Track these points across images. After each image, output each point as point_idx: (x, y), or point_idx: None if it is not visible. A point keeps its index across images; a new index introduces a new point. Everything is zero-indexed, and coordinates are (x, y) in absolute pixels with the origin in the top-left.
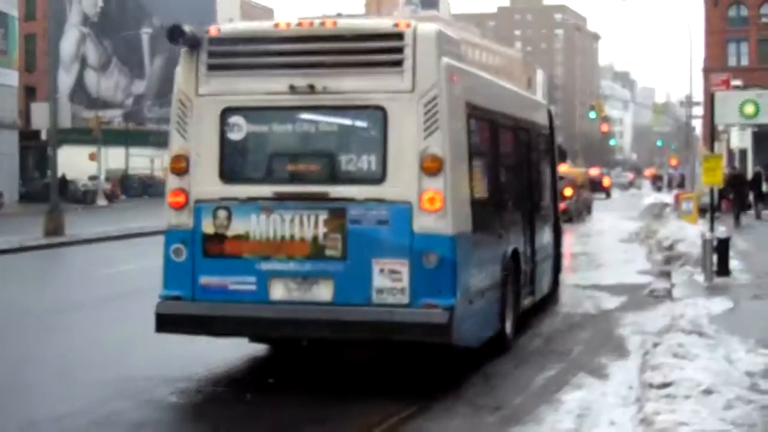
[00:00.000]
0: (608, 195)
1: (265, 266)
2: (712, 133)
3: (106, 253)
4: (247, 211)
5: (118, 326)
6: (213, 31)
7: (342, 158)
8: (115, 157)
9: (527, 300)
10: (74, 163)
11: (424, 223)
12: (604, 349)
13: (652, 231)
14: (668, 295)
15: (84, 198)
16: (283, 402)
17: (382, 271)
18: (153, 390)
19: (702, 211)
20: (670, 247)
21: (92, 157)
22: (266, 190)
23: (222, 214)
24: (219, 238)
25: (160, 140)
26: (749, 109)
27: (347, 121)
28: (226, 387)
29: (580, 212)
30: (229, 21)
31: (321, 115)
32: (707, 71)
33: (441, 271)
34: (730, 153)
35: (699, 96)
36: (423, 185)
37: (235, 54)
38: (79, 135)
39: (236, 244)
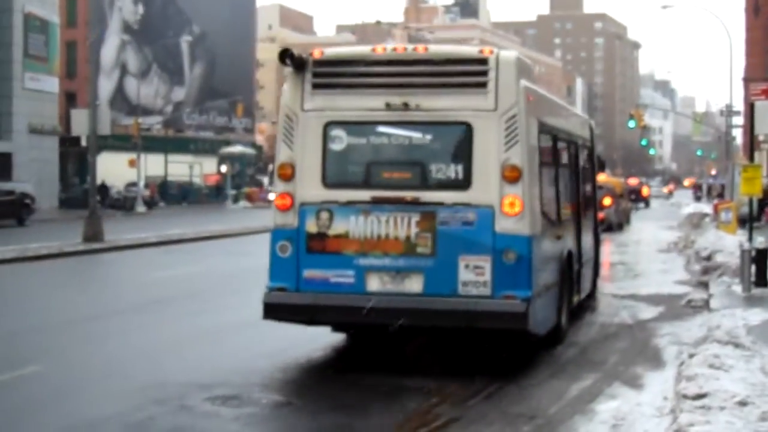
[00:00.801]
0: (647, 204)
1: (363, 261)
2: (751, 143)
3: (144, 260)
4: (347, 213)
5: (154, 332)
6: (317, 54)
7: (432, 167)
8: (154, 164)
9: (576, 297)
10: (114, 169)
11: (504, 224)
12: (639, 359)
13: (690, 241)
14: (705, 305)
15: (123, 204)
16: (318, 412)
17: (467, 266)
18: (188, 396)
19: (741, 221)
20: (709, 258)
21: (132, 163)
22: (364, 194)
23: (324, 215)
24: (321, 236)
25: (199, 147)
26: None
27: (437, 135)
28: (261, 394)
29: (619, 221)
30: (268, 28)
31: (413, 130)
32: (747, 81)
33: (519, 267)
34: None
35: (739, 105)
36: (504, 191)
37: (337, 74)
38: (119, 141)
39: (337, 242)
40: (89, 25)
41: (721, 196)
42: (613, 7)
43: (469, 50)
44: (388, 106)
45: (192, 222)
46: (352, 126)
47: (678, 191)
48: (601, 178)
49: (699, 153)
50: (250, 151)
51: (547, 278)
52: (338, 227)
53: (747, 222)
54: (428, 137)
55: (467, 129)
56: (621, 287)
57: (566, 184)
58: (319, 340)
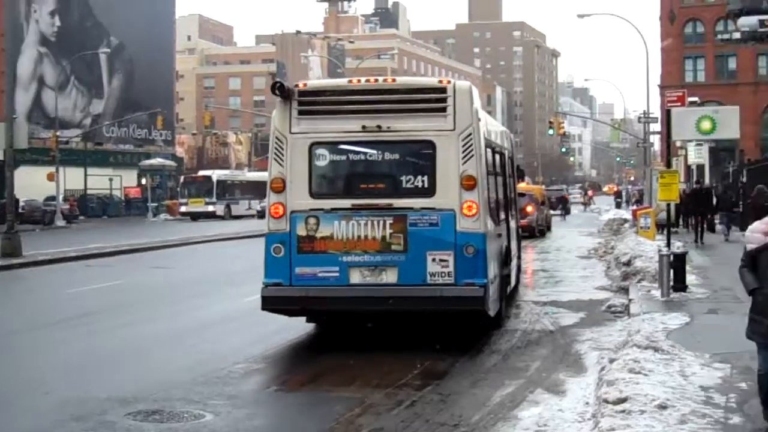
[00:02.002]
0: (568, 212)
1: (346, 259)
2: (668, 149)
3: (64, 274)
4: (331, 218)
5: (76, 347)
6: (301, 85)
7: (402, 178)
8: (73, 178)
9: (508, 287)
10: (32, 183)
11: (464, 224)
12: (561, 365)
13: (610, 247)
14: (625, 310)
15: (42, 219)
16: (238, 425)
17: (434, 260)
18: (109, 412)
19: (660, 226)
20: (628, 263)
21: (50, 177)
22: (346, 202)
23: (312, 220)
24: (310, 238)
25: (118, 160)
26: (705, 125)
27: (405, 152)
28: (182, 408)
29: (540, 228)
30: (187, 38)
31: (386, 147)
32: (664, 88)
33: (476, 259)
34: (688, 169)
35: (657, 112)
36: (463, 197)
37: (319, 103)
38: (37, 155)
39: (323, 243)
40: (4, 37)
41: (639, 202)
42: (531, 15)
43: (430, 81)
44: (364, 128)
45: (113, 236)
46: (333, 145)
47: (598, 198)
48: (522, 185)
49: (618, 160)
50: (170, 163)
51: (494, 269)
52: (324, 230)
53: (665, 227)
54: (398, 153)
55: (431, 146)
56: (542, 294)
57: (501, 190)
58: (243, 352)
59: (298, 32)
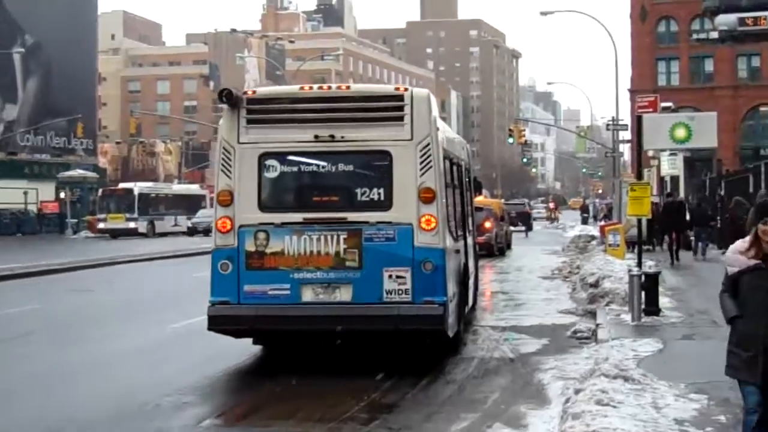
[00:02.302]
0: (530, 228)
1: (297, 275)
2: (639, 159)
3: None
4: (282, 233)
5: None
6: (250, 92)
7: (357, 191)
8: None
9: (466, 307)
10: None
11: (422, 239)
12: (522, 396)
13: (576, 267)
14: (593, 336)
15: None
16: None
17: (390, 276)
18: None
19: (630, 244)
20: (596, 284)
21: None
22: (297, 216)
23: (261, 235)
24: (259, 254)
25: (34, 171)
26: (680, 133)
27: (360, 163)
28: None
29: (500, 246)
30: (111, 38)
31: (340, 158)
32: (634, 92)
33: (435, 276)
34: (662, 180)
35: (626, 119)
36: (421, 211)
37: (269, 111)
38: None
39: (273, 259)
40: None
41: (608, 217)
42: (489, 13)
43: (387, 88)
44: (317, 138)
45: (27, 255)
46: (284, 156)
47: (564, 212)
48: (480, 199)
49: (584, 171)
50: (91, 175)
51: (453, 287)
52: (274, 246)
53: (636, 245)
54: (353, 164)
55: (387, 157)
56: (501, 318)
57: (459, 204)
58: (172, 383)
59: (234, 31)
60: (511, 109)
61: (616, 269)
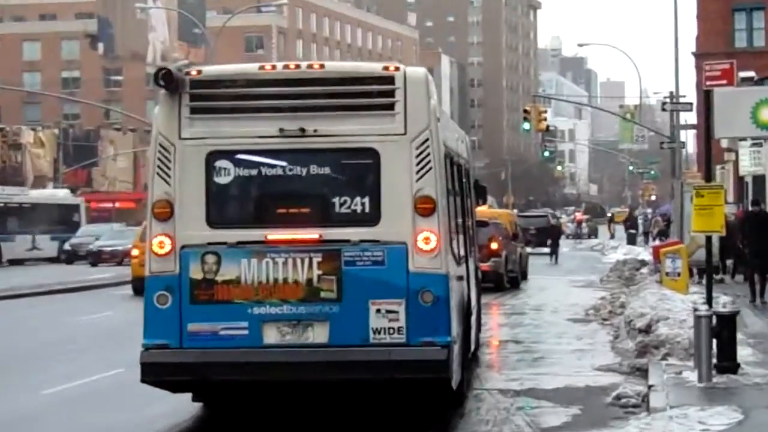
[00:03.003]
0: (555, 250)
1: (258, 310)
2: (708, 153)
3: None
4: (238, 255)
5: None
6: (195, 72)
7: (334, 200)
8: None
9: (468, 352)
10: None
11: (419, 262)
12: None
13: (619, 305)
14: (643, 403)
15: None
16: None
17: (378, 311)
18: None
19: (698, 272)
20: (647, 329)
21: None
22: (257, 233)
23: (210, 259)
24: (208, 283)
25: None
26: (767, 114)
27: (339, 164)
28: None
29: (512, 275)
30: None
31: (312, 158)
32: (702, 57)
33: (437, 310)
34: (741, 182)
35: (691, 95)
36: (417, 226)
37: (220, 97)
38: None
39: (226, 290)
40: None
41: (664, 234)
42: None
43: (372, 67)
44: (282, 132)
45: None
46: (240, 156)
47: (598, 226)
48: (483, 210)
49: (631, 169)
50: None
51: (457, 325)
52: (227, 272)
53: (704, 274)
54: (329, 166)
55: (373, 156)
56: (514, 378)
57: (461, 216)
58: None
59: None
60: (527, 82)
61: (677, 308)
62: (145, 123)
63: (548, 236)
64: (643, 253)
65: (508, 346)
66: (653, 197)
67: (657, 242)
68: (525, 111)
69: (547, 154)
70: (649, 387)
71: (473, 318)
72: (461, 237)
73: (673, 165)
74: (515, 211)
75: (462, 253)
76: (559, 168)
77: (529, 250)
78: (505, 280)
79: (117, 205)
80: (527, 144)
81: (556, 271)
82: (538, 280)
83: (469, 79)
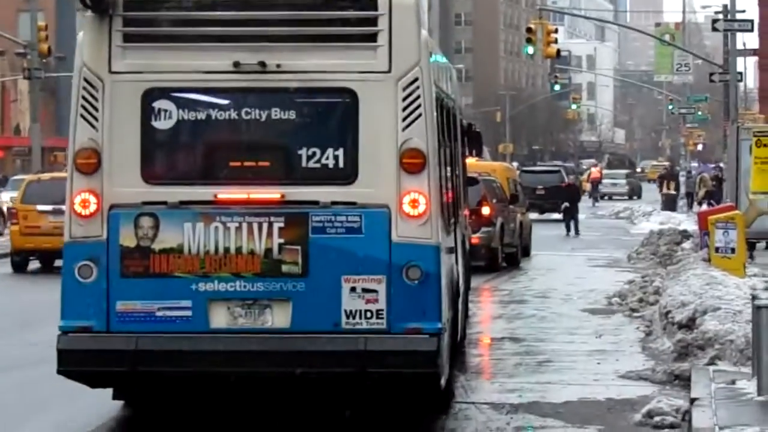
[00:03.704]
0: (574, 217)
1: (203, 287)
2: None
3: None
4: (180, 218)
5: None
6: None
7: (301, 153)
8: None
9: (456, 343)
10: None
11: (405, 230)
12: None
13: (653, 291)
14: (684, 422)
15: None
16: None
17: (353, 290)
18: None
19: (752, 246)
20: (690, 324)
21: None
22: (205, 192)
23: (146, 222)
24: (142, 252)
25: None
26: None
27: (307, 107)
28: None
29: (509, 250)
30: None
31: (274, 100)
32: None
33: (425, 289)
34: None
35: (752, 10)
36: (403, 185)
37: (160, 21)
38: None
39: (165, 261)
40: None
41: (714, 197)
42: None
43: None
44: (237, 67)
45: None
46: (184, 94)
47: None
48: (472, 162)
49: (671, 108)
50: None
51: (447, 308)
52: (167, 239)
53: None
54: (295, 110)
55: (350, 98)
56: (511, 389)
57: (450, 174)
58: None
59: None
60: None
61: (730, 296)
62: (15, 43)
63: (563, 199)
64: (686, 221)
65: (503, 346)
66: (700, 147)
67: (704, 207)
68: (528, 30)
69: (557, 88)
70: (692, 401)
71: (460, 301)
72: (451, 199)
73: (727, 104)
74: (515, 164)
75: (452, 219)
76: (573, 107)
77: (534, 216)
78: (500, 258)
79: None
80: (531, 75)
81: (570, 245)
82: (544, 258)
83: None
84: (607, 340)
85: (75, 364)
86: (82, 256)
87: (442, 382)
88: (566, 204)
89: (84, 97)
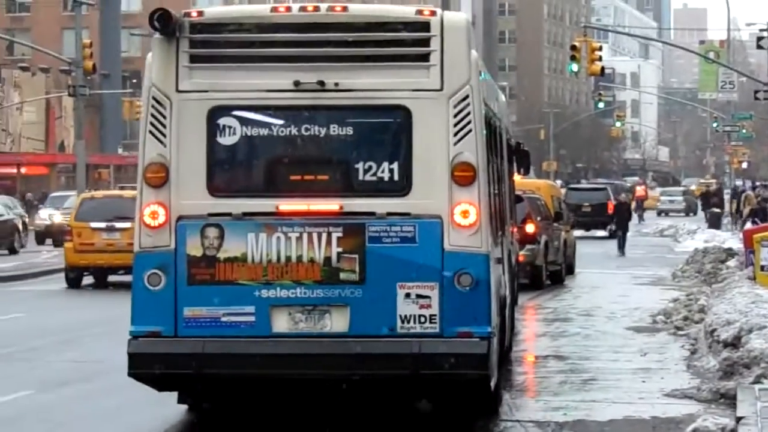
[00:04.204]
0: (623, 236)
1: (266, 293)
2: None
3: None
4: (244, 228)
5: None
6: (195, 14)
7: (358, 166)
8: None
9: (503, 352)
10: None
11: (456, 240)
12: None
13: (698, 309)
14: None
15: None
16: None
17: (407, 296)
18: None
19: None
20: (736, 342)
21: None
22: (267, 204)
23: (212, 233)
24: (208, 261)
25: None
26: None
27: (364, 123)
28: None
29: (554, 268)
30: None
31: (333, 116)
32: None
33: (476, 295)
34: None
35: None
36: (455, 197)
37: (225, 43)
38: None
39: (229, 269)
40: None
41: (758, 215)
42: None
43: (404, 11)
44: (298, 85)
45: None
46: (248, 112)
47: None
48: (516, 180)
49: (716, 126)
50: None
51: (496, 314)
52: (231, 248)
53: None
54: (352, 126)
55: (404, 115)
56: (555, 407)
57: (500, 189)
58: None
59: None
60: (575, 9)
61: None
62: (60, 61)
63: (615, 217)
64: (731, 239)
65: (548, 364)
66: (745, 165)
67: (750, 225)
68: (573, 48)
69: (601, 105)
70: (738, 419)
71: (507, 311)
72: (501, 213)
73: None
74: (559, 182)
75: (499, 231)
76: (617, 125)
77: (580, 233)
78: (544, 275)
79: (23, 170)
80: (575, 92)
81: (613, 263)
82: (588, 275)
83: (498, 4)
84: (652, 358)
85: (145, 366)
86: (152, 265)
87: (492, 383)
88: (617, 222)
89: (153, 115)
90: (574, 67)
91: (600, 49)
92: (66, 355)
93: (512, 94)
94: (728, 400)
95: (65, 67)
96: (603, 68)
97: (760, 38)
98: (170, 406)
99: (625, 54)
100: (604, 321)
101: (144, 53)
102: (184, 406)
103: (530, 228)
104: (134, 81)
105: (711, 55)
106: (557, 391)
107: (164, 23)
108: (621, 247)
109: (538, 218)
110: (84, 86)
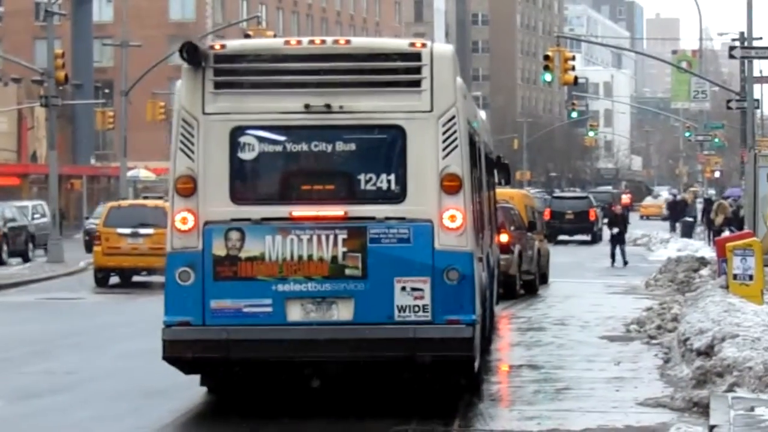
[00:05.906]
0: (594, 239)
1: (282, 287)
2: None
3: None
4: (262, 232)
5: None
6: (218, 47)
7: (360, 177)
8: None
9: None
10: None
11: (445, 240)
12: None
13: (671, 318)
14: None
15: None
16: None
17: (403, 288)
18: None
19: None
20: (709, 351)
21: None
22: (282, 210)
23: (234, 235)
24: (231, 260)
25: None
26: None
27: (365, 140)
28: None
29: (527, 278)
30: None
31: (338, 134)
32: None
33: (462, 288)
34: None
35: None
36: (443, 203)
37: (244, 71)
38: None
39: (250, 266)
40: None
41: (733, 224)
42: None
43: (399, 43)
44: (308, 108)
45: None
46: (265, 131)
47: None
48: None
49: (688, 135)
50: None
51: (479, 305)
52: (251, 249)
53: None
54: (355, 143)
55: (399, 133)
56: (529, 416)
57: (480, 195)
58: None
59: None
60: (548, 19)
61: (748, 323)
62: (32, 71)
63: (612, 225)
64: (704, 248)
65: (522, 373)
66: (717, 174)
67: (722, 235)
68: (546, 57)
69: (574, 115)
70: (711, 428)
71: (487, 304)
72: (483, 218)
73: (744, 131)
74: (531, 189)
75: (482, 234)
76: (590, 134)
77: (564, 237)
78: (518, 285)
79: None
80: (548, 102)
81: (585, 273)
82: (561, 285)
83: (471, 14)
84: (626, 367)
85: (177, 351)
86: (182, 263)
87: (476, 365)
88: (616, 231)
89: (182, 134)
90: (548, 76)
91: (573, 58)
92: (38, 366)
93: (485, 104)
94: (701, 408)
95: (37, 77)
96: (576, 78)
97: (732, 48)
98: (145, 417)
99: (598, 64)
100: (578, 330)
101: (117, 63)
102: (158, 416)
103: (504, 238)
104: (106, 91)
105: (683, 64)
106: (531, 401)
107: (192, 55)
108: (614, 258)
109: (512, 228)
110: (56, 96)
